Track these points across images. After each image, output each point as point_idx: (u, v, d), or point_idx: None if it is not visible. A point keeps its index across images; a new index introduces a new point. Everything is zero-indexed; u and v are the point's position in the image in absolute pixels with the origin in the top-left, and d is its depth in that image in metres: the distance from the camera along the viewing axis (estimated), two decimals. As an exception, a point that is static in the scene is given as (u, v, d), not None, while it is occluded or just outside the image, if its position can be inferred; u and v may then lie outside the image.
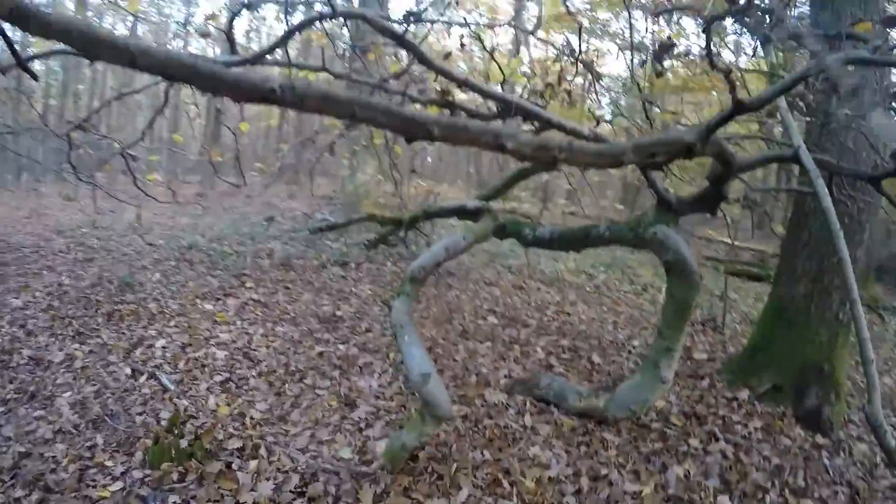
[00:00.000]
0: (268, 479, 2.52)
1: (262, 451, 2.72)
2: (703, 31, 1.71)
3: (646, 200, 13.91)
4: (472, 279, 6.51)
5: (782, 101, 2.48)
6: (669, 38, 1.96)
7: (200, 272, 5.67)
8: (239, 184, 3.84)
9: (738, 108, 1.83)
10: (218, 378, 3.47)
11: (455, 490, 2.56)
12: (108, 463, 2.56)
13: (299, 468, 2.63)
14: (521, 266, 7.46)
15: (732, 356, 4.46)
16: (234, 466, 2.59)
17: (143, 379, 3.37)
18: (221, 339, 4.03)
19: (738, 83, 1.87)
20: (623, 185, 15.66)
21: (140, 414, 2.99)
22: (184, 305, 4.63)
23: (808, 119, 2.73)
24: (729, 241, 10.23)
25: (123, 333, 4.02)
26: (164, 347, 3.80)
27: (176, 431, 2.61)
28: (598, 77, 3.42)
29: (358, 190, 8.24)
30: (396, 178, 6.21)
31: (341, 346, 4.11)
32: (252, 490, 2.44)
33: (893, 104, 2.03)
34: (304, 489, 2.49)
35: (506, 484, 2.64)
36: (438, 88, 3.56)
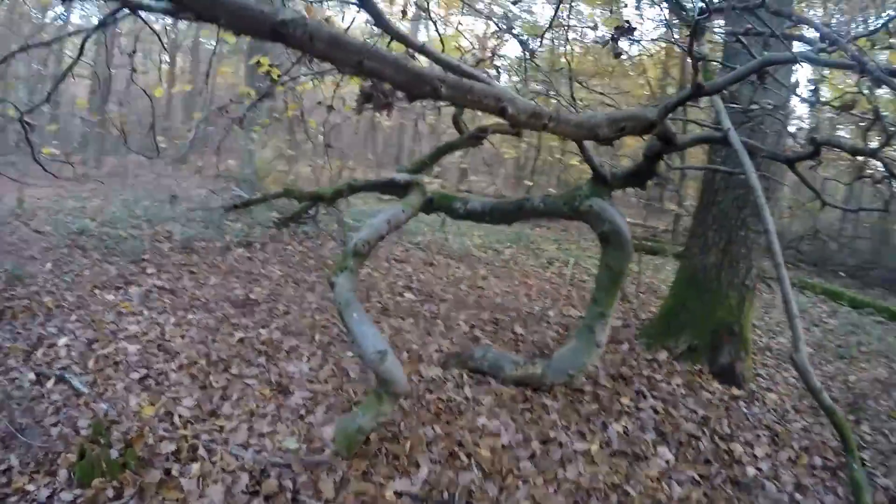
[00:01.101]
0: (215, 482, 2.31)
1: (202, 452, 2.50)
2: (694, 25, 1.78)
3: (541, 177, 14.56)
4: (383, 256, 6.47)
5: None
6: (627, 21, 2.01)
7: (95, 259, 5.07)
8: (151, 156, 3.40)
9: (697, 92, 1.94)
10: (135, 375, 3.13)
11: (414, 468, 2.54)
12: (30, 487, 2.21)
13: (246, 466, 2.45)
14: (429, 243, 7.53)
15: (646, 322, 4.86)
16: (174, 473, 2.35)
17: (50, 384, 2.95)
18: (131, 332, 3.63)
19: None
20: (515, 164, 16.27)
21: (55, 425, 2.61)
22: (82, 297, 4.11)
23: (731, 104, 2.98)
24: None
25: (20, 333, 3.50)
26: (68, 346, 3.35)
27: (102, 441, 2.29)
28: (532, 54, 3.46)
29: (264, 166, 7.73)
30: (310, 153, 5.89)
31: (262, 331, 3.88)
32: (201, 496, 2.23)
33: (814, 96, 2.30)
34: (258, 487, 2.32)
35: (462, 456, 2.66)
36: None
